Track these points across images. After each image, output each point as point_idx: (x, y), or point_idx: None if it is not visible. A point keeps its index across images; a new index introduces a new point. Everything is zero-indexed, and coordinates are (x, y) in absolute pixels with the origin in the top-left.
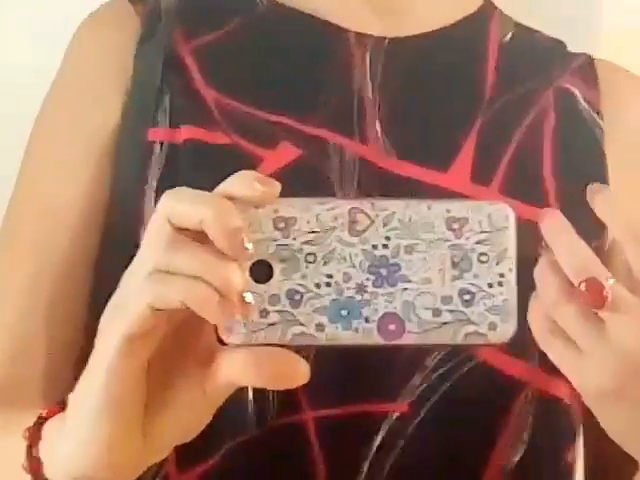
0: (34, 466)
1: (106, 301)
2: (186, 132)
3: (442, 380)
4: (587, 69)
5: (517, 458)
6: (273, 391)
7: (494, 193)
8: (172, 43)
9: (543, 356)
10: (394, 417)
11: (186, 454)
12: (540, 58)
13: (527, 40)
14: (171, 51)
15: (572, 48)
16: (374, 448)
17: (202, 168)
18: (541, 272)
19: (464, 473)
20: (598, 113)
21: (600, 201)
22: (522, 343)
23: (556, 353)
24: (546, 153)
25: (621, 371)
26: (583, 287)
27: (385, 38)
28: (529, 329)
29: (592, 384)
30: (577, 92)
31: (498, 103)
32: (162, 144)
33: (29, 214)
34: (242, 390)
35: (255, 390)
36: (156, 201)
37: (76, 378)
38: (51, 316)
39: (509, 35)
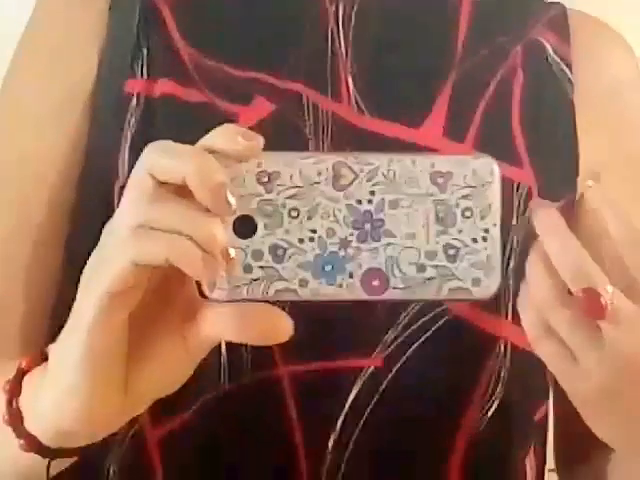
0: (14, 419)
1: (82, 255)
2: (162, 86)
3: (415, 335)
4: (559, 20)
5: (490, 413)
6: (246, 346)
7: (469, 149)
8: None
9: (516, 309)
10: (368, 372)
11: (159, 408)
12: (513, 11)
13: None
14: (148, 2)
15: None
16: (348, 403)
17: (177, 124)
18: (534, 268)
19: (438, 428)
20: (568, 65)
21: (597, 196)
22: (496, 297)
23: (546, 352)
24: (514, 109)
25: (613, 379)
26: (581, 295)
27: None
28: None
29: (582, 389)
30: (547, 44)
31: (470, 59)
32: (139, 96)
33: (5, 168)
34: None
35: (228, 345)
36: (130, 155)
37: (55, 329)
38: (28, 269)
39: None
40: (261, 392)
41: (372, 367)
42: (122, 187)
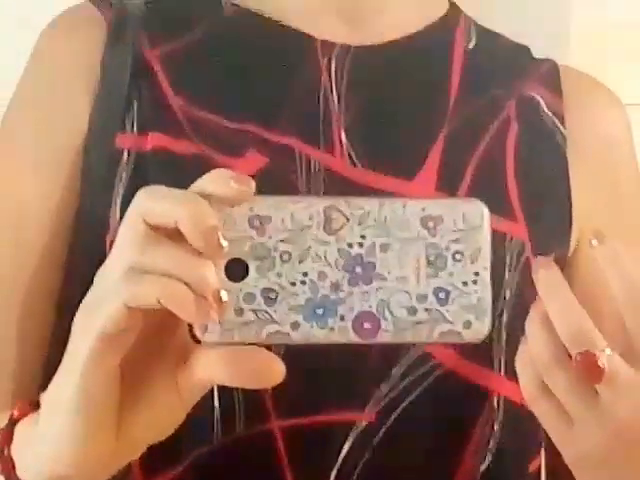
0: (7, 467)
1: (73, 303)
2: (153, 139)
3: (408, 390)
4: (551, 76)
5: (484, 467)
6: (240, 399)
7: None
8: (139, 48)
9: (509, 363)
10: (360, 427)
11: (152, 462)
12: (504, 65)
13: (491, 47)
14: (139, 57)
15: (542, 41)
16: (341, 458)
17: (170, 177)
18: (533, 327)
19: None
20: (561, 120)
21: (603, 255)
22: (488, 351)
23: (542, 412)
24: (509, 163)
25: (608, 442)
26: (579, 359)
27: (351, 46)
28: (494, 336)
29: (576, 450)
30: (540, 100)
31: (463, 112)
32: (130, 151)
33: None
34: (208, 398)
35: (221, 398)
36: (122, 210)
37: (46, 378)
38: (21, 317)
39: (473, 42)
40: (254, 446)
41: (365, 422)
42: (112, 241)
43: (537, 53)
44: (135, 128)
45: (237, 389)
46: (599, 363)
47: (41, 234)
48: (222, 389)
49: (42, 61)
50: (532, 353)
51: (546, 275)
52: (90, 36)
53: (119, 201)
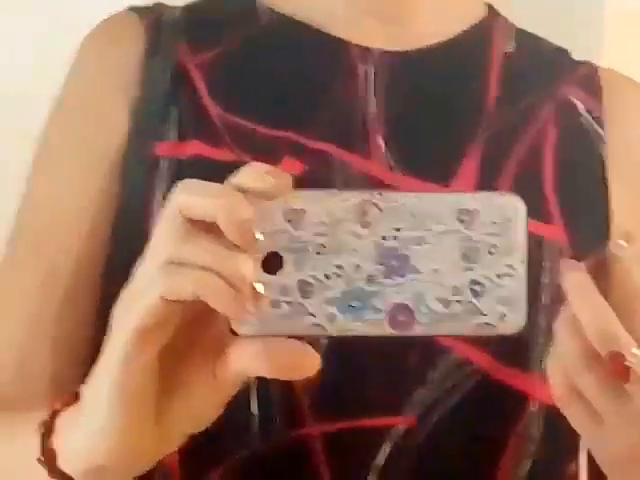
0: (49, 458)
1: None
2: (193, 147)
3: (447, 395)
4: (590, 79)
5: (523, 472)
6: (277, 403)
7: None
8: (178, 57)
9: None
10: (399, 432)
11: (191, 465)
12: (543, 69)
13: (530, 50)
14: (178, 65)
15: (575, 36)
16: (379, 463)
17: None
18: (562, 329)
19: None
20: (600, 124)
21: (630, 256)
22: (526, 355)
23: (573, 414)
24: (547, 168)
25: (638, 440)
26: (607, 359)
27: (388, 52)
28: (531, 339)
29: (607, 450)
30: (579, 103)
31: (501, 116)
32: (169, 159)
33: (38, 225)
34: (246, 402)
35: (259, 402)
36: None
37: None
38: (59, 321)
39: (512, 45)
40: (291, 450)
41: (403, 426)
42: None
43: (569, 46)
44: (174, 136)
45: (275, 393)
46: (627, 362)
47: (80, 241)
48: (260, 394)
49: (83, 71)
50: (561, 355)
51: (573, 277)
52: (129, 45)
53: (158, 209)
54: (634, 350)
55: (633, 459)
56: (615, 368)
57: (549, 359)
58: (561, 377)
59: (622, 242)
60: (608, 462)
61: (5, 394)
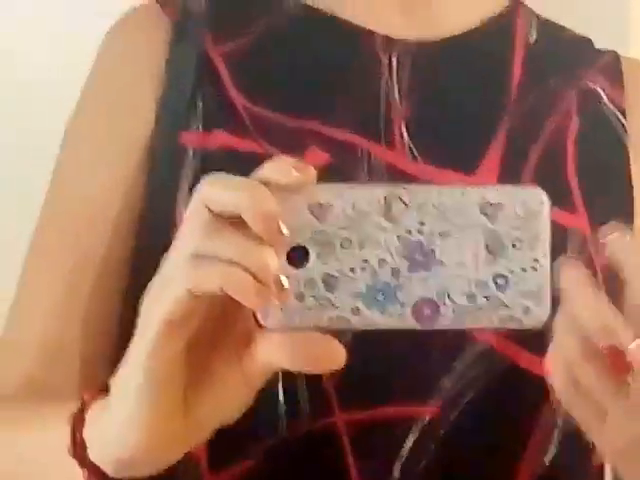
0: (79, 451)
1: (139, 298)
2: (218, 137)
3: (472, 384)
4: (613, 67)
5: (548, 459)
6: (304, 393)
7: None
8: (203, 47)
9: None
10: (425, 421)
11: (218, 456)
12: (566, 57)
13: (553, 39)
14: (203, 55)
15: (601, 34)
16: (406, 452)
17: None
18: (561, 324)
19: (496, 476)
20: (622, 112)
21: (619, 246)
22: (549, 343)
23: (575, 408)
24: (570, 156)
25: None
26: (607, 351)
27: (411, 41)
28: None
29: (610, 441)
30: (601, 91)
31: (524, 105)
32: (194, 149)
33: (66, 213)
34: (273, 393)
35: (286, 392)
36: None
37: (113, 371)
38: (87, 313)
39: (535, 34)
40: (318, 440)
41: (429, 415)
42: None
43: (594, 37)
44: (200, 126)
45: (301, 382)
46: (627, 354)
47: (108, 229)
48: (287, 384)
49: (108, 62)
50: (562, 349)
51: (570, 272)
52: (155, 36)
53: (184, 198)
54: (632, 345)
55: (634, 447)
56: (615, 362)
57: (548, 354)
58: (562, 372)
59: (609, 229)
60: (611, 453)
61: (35, 380)
